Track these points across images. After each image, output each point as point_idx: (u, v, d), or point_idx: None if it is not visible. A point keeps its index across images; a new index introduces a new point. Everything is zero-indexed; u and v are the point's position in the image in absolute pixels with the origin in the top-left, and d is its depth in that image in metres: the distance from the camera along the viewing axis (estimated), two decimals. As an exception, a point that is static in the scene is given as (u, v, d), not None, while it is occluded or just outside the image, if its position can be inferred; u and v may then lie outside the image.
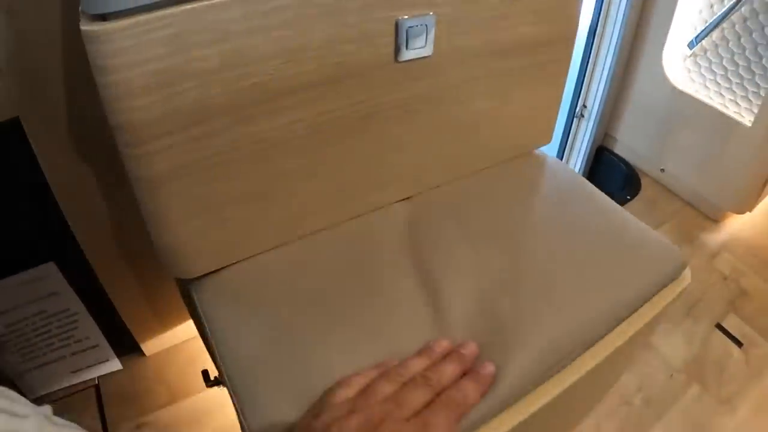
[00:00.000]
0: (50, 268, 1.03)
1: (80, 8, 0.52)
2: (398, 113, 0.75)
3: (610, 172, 2.03)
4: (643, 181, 1.96)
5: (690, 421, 1.31)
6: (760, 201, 1.81)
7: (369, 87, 0.70)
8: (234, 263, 0.77)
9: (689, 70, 1.74)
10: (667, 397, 1.34)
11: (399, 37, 0.67)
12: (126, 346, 1.25)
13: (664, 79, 1.77)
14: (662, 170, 1.91)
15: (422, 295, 0.72)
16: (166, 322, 1.27)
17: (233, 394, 0.63)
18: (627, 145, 1.99)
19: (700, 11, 1.63)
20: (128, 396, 1.23)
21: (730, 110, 1.66)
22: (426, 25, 0.68)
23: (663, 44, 1.72)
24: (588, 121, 1.91)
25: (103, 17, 0.51)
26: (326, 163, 0.74)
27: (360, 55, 0.66)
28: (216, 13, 0.54)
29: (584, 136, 1.96)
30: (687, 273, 0.83)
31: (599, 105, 1.85)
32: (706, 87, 1.71)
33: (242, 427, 0.61)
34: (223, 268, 0.76)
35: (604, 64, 1.78)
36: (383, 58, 0.68)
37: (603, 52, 1.76)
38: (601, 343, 0.70)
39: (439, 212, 0.87)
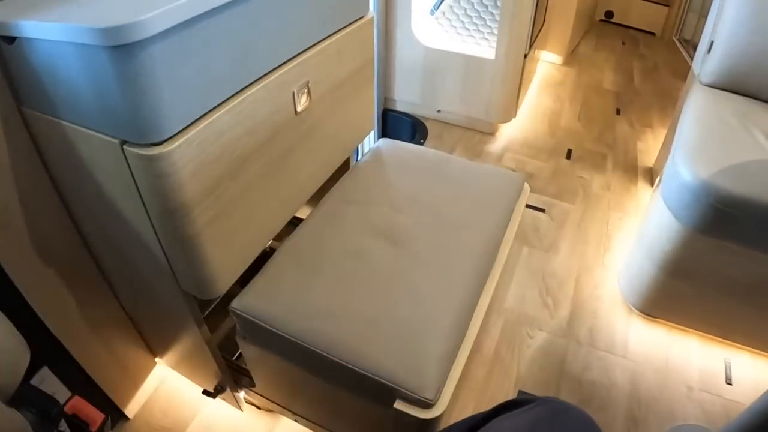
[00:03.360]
0: (44, 372, 1.19)
1: (121, 139, 0.76)
2: (299, 143, 1.10)
3: (400, 126, 2.49)
4: (428, 125, 2.45)
5: (531, 271, 1.82)
6: (519, 108, 2.41)
7: (285, 134, 1.03)
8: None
9: (436, 31, 2.25)
10: (511, 261, 1.84)
11: (295, 100, 1.02)
12: (114, 416, 1.39)
13: (417, 42, 2.26)
14: (438, 111, 2.42)
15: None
16: (138, 381, 1.44)
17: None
18: (405, 101, 2.47)
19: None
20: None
21: (475, 51, 2.20)
22: (306, 89, 1.04)
23: (410, 17, 2.20)
24: (371, 93, 2.35)
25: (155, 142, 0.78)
26: (278, 181, 1.07)
27: (280, 116, 0.99)
28: (219, 121, 0.84)
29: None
30: (526, 187, 1.30)
31: (376, 77, 2.29)
32: (452, 40, 2.23)
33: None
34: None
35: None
36: (289, 115, 1.02)
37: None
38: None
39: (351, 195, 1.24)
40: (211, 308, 1.49)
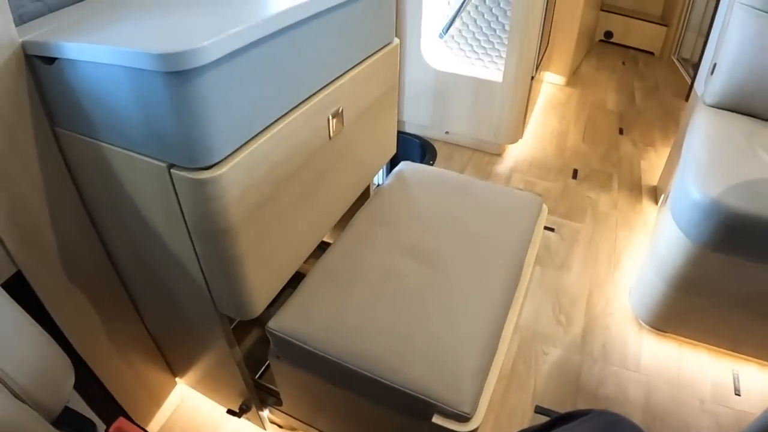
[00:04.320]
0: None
1: (168, 162, 0.79)
2: (331, 167, 1.14)
3: (409, 148, 2.54)
4: (437, 146, 2.50)
5: (545, 289, 1.85)
6: (525, 129, 2.46)
7: (319, 157, 1.07)
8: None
9: (445, 54, 2.30)
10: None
11: (329, 126, 1.06)
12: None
13: (427, 65, 2.31)
14: (447, 133, 2.46)
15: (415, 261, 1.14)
16: (159, 400, 1.46)
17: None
18: (414, 123, 2.52)
19: (445, 5, 2.19)
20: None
21: (483, 74, 2.25)
22: (339, 114, 1.08)
23: (419, 40, 2.26)
24: (381, 115, 2.40)
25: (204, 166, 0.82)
26: (311, 204, 1.10)
27: (315, 141, 1.03)
28: (264, 146, 0.88)
29: (383, 127, 2.44)
30: (545, 208, 1.35)
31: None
32: (460, 62, 2.28)
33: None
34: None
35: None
36: (324, 140, 1.06)
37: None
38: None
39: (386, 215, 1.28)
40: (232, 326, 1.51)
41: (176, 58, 0.68)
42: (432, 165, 2.34)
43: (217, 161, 0.81)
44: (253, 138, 0.86)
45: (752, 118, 1.82)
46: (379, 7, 1.15)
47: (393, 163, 2.27)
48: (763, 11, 1.77)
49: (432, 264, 1.15)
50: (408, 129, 2.54)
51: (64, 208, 0.98)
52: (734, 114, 1.85)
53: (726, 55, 1.85)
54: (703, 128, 1.75)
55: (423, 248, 1.19)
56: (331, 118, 1.05)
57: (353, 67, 1.11)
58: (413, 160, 2.27)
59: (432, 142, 2.50)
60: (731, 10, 1.87)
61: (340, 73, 1.07)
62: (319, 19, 0.93)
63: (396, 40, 1.27)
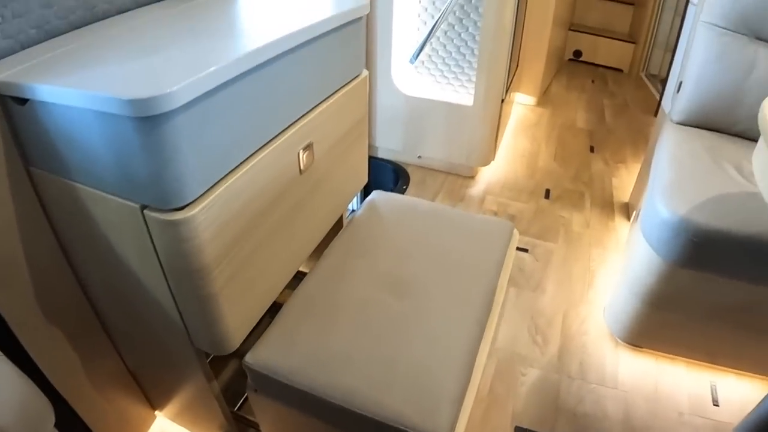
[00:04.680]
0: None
1: (141, 204, 0.82)
2: (304, 199, 1.16)
3: (382, 173, 2.57)
4: (410, 171, 2.54)
5: (520, 310, 1.88)
6: (497, 151, 2.51)
7: (291, 192, 1.09)
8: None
9: (416, 79, 2.35)
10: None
11: (300, 160, 1.09)
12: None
13: (397, 91, 2.35)
14: (419, 157, 2.50)
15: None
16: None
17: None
18: (387, 149, 2.56)
19: (414, 31, 2.24)
20: None
21: (454, 98, 2.30)
22: (310, 148, 1.11)
23: (390, 67, 2.31)
24: (354, 142, 2.43)
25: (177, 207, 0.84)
26: (286, 237, 1.12)
27: (287, 176, 1.06)
28: (236, 184, 0.90)
29: (356, 153, 2.47)
30: (516, 232, 1.38)
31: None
32: (431, 87, 2.33)
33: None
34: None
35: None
36: (295, 174, 1.09)
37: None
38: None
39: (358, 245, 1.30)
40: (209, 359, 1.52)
41: (145, 104, 0.70)
42: (405, 190, 2.38)
43: (189, 202, 0.83)
44: (224, 177, 0.89)
45: (719, 134, 1.88)
46: (348, 41, 1.18)
47: (367, 188, 2.30)
48: (726, 29, 1.84)
49: (406, 293, 1.18)
50: (381, 154, 2.57)
51: (40, 246, 0.99)
52: (701, 130, 1.91)
53: (691, 72, 1.92)
54: (671, 146, 1.81)
55: (396, 278, 1.22)
56: (302, 152, 1.08)
57: (323, 101, 1.14)
58: (387, 186, 2.32)
59: (405, 167, 2.53)
60: (695, 28, 1.93)
61: (310, 107, 1.10)
62: (287, 56, 0.97)
63: (365, 72, 1.31)
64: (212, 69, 0.78)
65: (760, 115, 1.11)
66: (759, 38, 1.87)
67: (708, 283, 1.52)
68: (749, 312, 1.53)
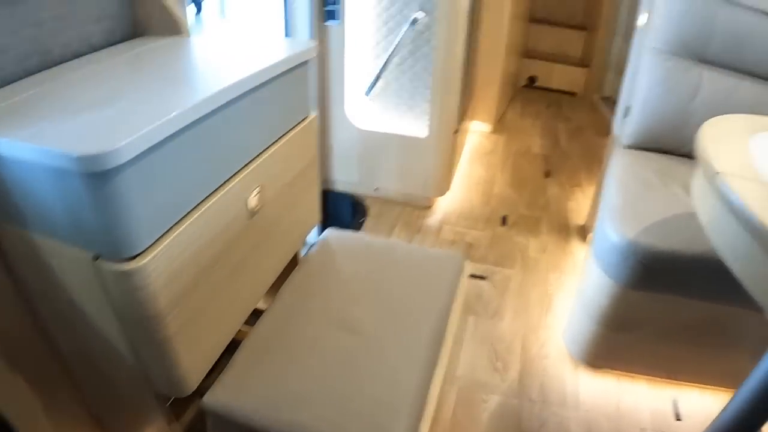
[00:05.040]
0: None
1: (93, 254, 0.86)
2: (256, 243, 1.21)
3: (340, 206, 2.61)
4: (367, 203, 2.59)
5: (479, 338, 1.94)
6: (453, 180, 2.58)
7: (243, 236, 1.14)
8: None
9: (371, 112, 2.41)
10: (459, 332, 1.95)
11: (249, 206, 1.13)
12: None
13: (351, 124, 2.41)
14: (377, 189, 2.56)
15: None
16: None
17: None
18: (344, 182, 2.61)
19: (368, 64, 2.31)
20: None
21: (408, 130, 2.37)
22: (258, 193, 1.16)
23: (343, 101, 2.37)
24: (311, 176, 2.48)
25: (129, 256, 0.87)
26: (240, 279, 1.16)
27: (237, 221, 1.10)
28: (186, 232, 0.95)
29: (313, 188, 2.51)
30: (466, 264, 1.44)
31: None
32: (386, 119, 2.40)
33: None
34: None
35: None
36: (245, 219, 1.14)
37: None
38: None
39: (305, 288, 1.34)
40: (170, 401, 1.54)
41: (93, 160, 0.75)
42: (363, 222, 2.43)
43: (140, 251, 0.87)
44: (174, 225, 0.93)
45: (667, 155, 1.98)
46: (294, 85, 1.24)
47: (326, 222, 2.35)
48: (670, 53, 1.94)
49: (359, 331, 1.22)
50: (338, 188, 2.62)
51: (0, 296, 1.02)
52: (650, 153, 2.00)
53: (638, 96, 2.01)
54: (620, 170, 1.89)
55: (349, 316, 1.26)
56: (251, 196, 1.12)
57: (270, 145, 1.19)
58: (345, 219, 2.37)
59: (363, 200, 2.58)
60: (641, 53, 2.03)
61: (258, 152, 1.15)
62: (233, 105, 1.01)
63: (312, 114, 1.36)
64: (159, 123, 0.82)
65: (696, 142, 1.19)
66: (703, 61, 1.97)
67: (661, 303, 1.58)
68: (704, 328, 1.60)
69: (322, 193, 2.54)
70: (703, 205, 1.20)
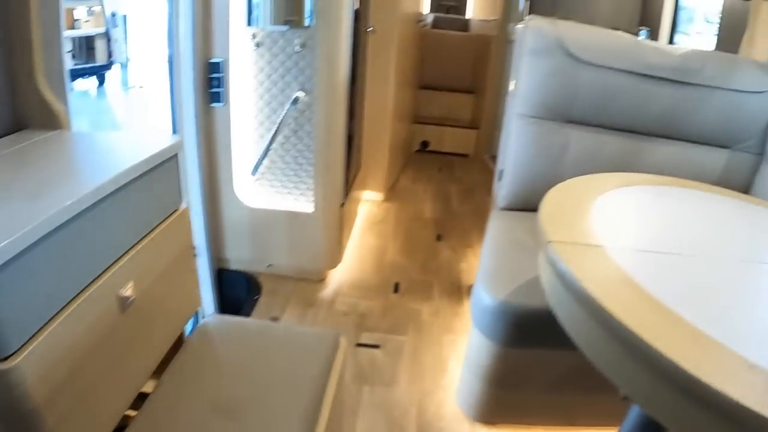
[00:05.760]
0: None
1: None
2: (133, 334, 1.28)
3: (235, 284, 2.69)
4: (261, 279, 2.68)
5: (375, 407, 2.03)
6: (344, 252, 2.70)
7: (118, 329, 1.21)
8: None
9: (258, 190, 2.53)
10: (354, 405, 2.04)
11: (121, 300, 1.21)
12: None
13: (240, 203, 2.52)
14: (270, 266, 2.65)
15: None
16: None
17: None
18: (237, 260, 2.69)
19: (253, 144, 2.43)
20: None
21: (295, 206, 2.49)
22: (130, 287, 1.23)
23: (232, 181, 2.48)
24: (202, 257, 2.53)
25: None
26: (119, 370, 1.22)
27: (110, 316, 1.18)
28: (58, 330, 1.01)
29: (205, 270, 2.56)
30: (343, 340, 1.54)
31: (206, 242, 2.49)
32: (274, 197, 2.52)
33: None
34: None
35: (197, 212, 2.42)
36: (118, 313, 1.21)
37: (194, 204, 2.40)
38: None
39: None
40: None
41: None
42: (257, 300, 2.51)
43: (11, 352, 0.93)
44: (46, 324, 1.00)
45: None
46: (162, 179, 1.34)
47: (223, 301, 2.41)
48: (538, 117, 2.14)
49: (236, 415, 1.30)
50: (232, 266, 2.70)
51: None
52: (524, 213, 2.18)
53: (509, 160, 2.21)
54: (495, 232, 2.07)
55: (228, 400, 1.33)
56: (124, 290, 1.20)
57: (142, 239, 1.27)
58: (240, 297, 2.45)
59: (257, 277, 2.66)
60: (511, 119, 2.23)
61: (127, 248, 1.23)
62: (101, 204, 1.10)
63: (184, 205, 1.45)
64: (21, 233, 0.91)
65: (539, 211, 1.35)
66: (569, 121, 2.19)
67: (538, 357, 1.74)
68: (580, 374, 1.74)
69: (217, 272, 2.63)
70: (542, 272, 1.37)
